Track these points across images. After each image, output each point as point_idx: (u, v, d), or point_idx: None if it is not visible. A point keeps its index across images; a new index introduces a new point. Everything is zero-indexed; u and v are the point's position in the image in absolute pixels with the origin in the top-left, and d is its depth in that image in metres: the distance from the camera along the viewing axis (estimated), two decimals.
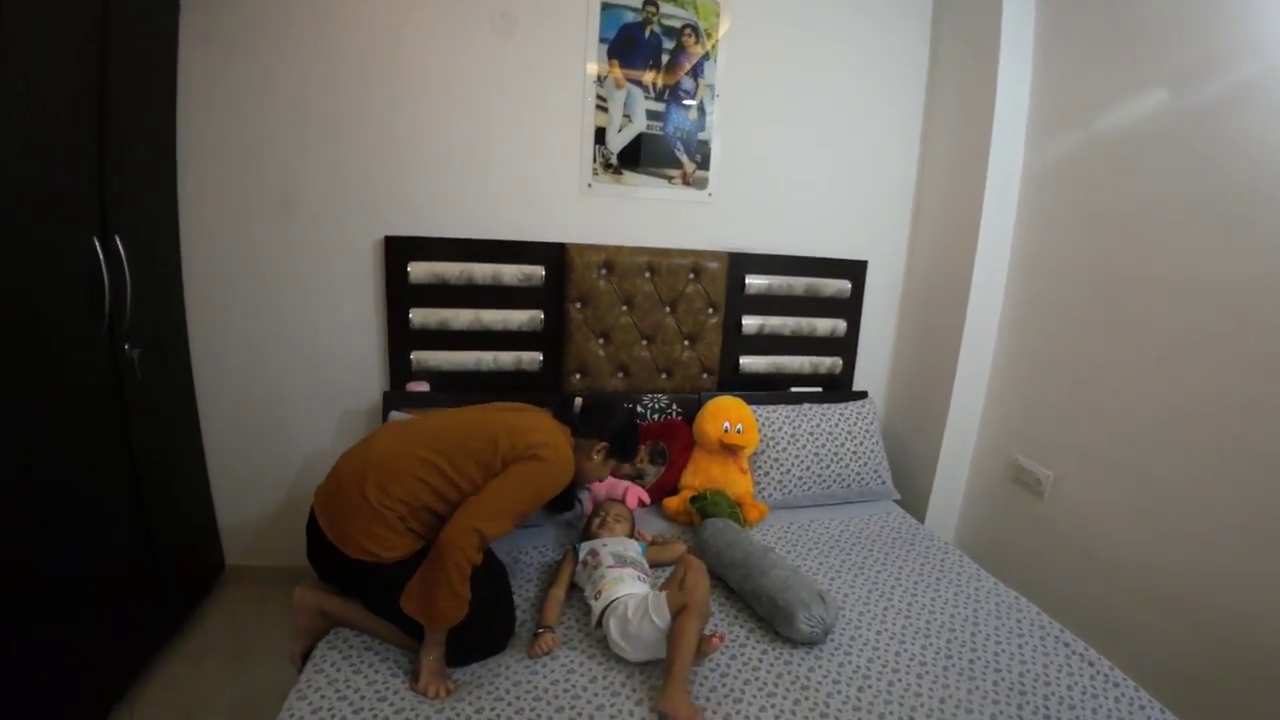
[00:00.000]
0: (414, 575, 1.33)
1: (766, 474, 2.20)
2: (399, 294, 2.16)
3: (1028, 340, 2.24)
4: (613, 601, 1.47)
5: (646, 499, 2.08)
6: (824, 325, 2.51)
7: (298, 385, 2.24)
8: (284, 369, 2.22)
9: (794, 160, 2.43)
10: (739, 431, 2.09)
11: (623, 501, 1.95)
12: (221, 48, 1.96)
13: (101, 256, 1.58)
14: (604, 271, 2.25)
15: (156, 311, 1.92)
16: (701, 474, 2.09)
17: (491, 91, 2.14)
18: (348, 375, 2.26)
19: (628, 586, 1.51)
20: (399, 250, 2.14)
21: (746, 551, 1.71)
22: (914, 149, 2.54)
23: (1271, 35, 1.55)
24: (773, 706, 1.32)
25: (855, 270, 2.51)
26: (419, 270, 2.14)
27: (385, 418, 2.09)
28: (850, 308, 2.54)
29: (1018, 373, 2.28)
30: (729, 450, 2.09)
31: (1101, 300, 1.98)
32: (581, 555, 1.67)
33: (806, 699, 1.35)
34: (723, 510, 1.93)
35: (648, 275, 2.28)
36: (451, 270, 2.16)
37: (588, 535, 1.79)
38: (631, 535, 1.80)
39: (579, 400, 1.77)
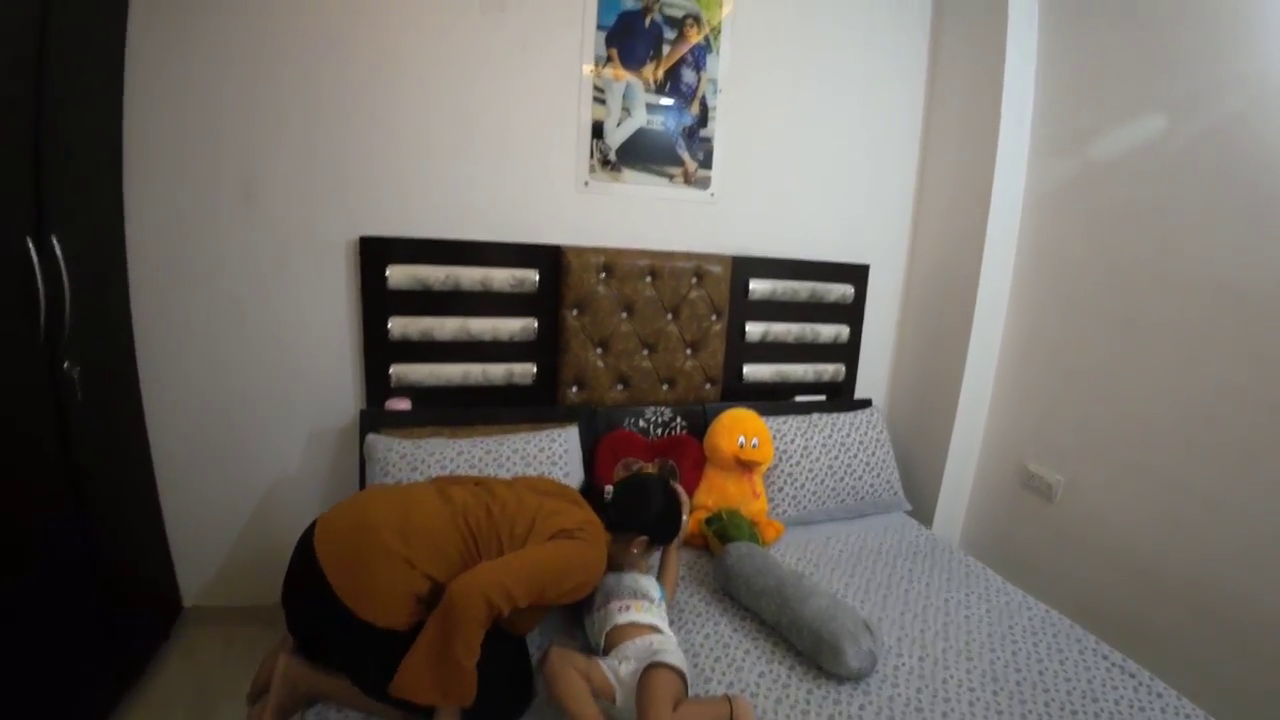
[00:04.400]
0: (411, 649, 1.14)
1: (780, 490, 2.09)
2: (376, 301, 1.95)
3: (1036, 342, 2.21)
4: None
5: None
6: (827, 331, 2.42)
7: (261, 404, 2.00)
8: (246, 386, 1.97)
9: (797, 160, 2.33)
10: (755, 446, 1.97)
11: None
12: (178, 13, 1.72)
13: (36, 261, 1.35)
14: (603, 275, 2.09)
15: (99, 322, 1.68)
16: (716, 493, 1.96)
17: (480, 77, 1.96)
18: (319, 392, 2.03)
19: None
20: (376, 252, 1.93)
21: (779, 579, 1.59)
22: (914, 150, 2.48)
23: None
24: None
25: (858, 275, 2.43)
26: (399, 275, 1.94)
27: (363, 440, 1.88)
28: (853, 313, 2.46)
29: (1025, 376, 2.25)
30: (744, 467, 1.96)
31: (1116, 301, 1.95)
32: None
33: None
34: (743, 532, 1.80)
35: (649, 280, 2.14)
36: (435, 275, 1.96)
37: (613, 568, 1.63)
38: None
39: (609, 489, 1.61)
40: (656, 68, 2.10)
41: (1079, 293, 2.06)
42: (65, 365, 1.48)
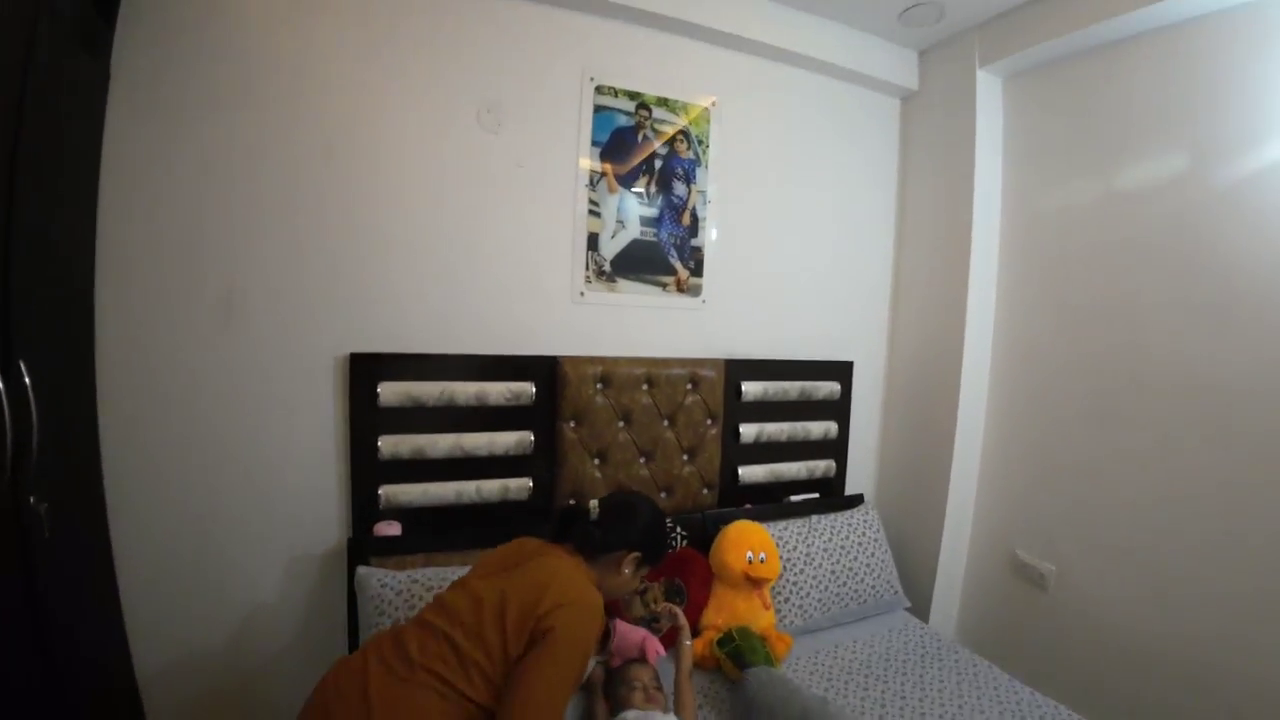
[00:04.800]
0: None
1: (787, 600, 2.04)
2: (366, 420, 1.86)
3: (1017, 435, 2.29)
4: None
5: (662, 649, 1.84)
6: (817, 428, 2.45)
7: (238, 531, 1.83)
8: (222, 513, 1.81)
9: (781, 264, 2.41)
10: (763, 561, 1.93)
11: (645, 660, 1.70)
12: (157, 122, 1.65)
13: (2, 390, 1.22)
14: (600, 386, 2.06)
15: (67, 452, 1.52)
16: (726, 611, 1.90)
17: (475, 191, 1.95)
18: (301, 515, 1.88)
19: None
20: (367, 369, 1.85)
21: (804, 708, 1.53)
22: (889, 248, 2.62)
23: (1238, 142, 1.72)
24: None
25: (843, 371, 2.50)
26: (390, 392, 1.85)
27: (351, 572, 1.75)
28: (840, 409, 2.51)
29: (1009, 468, 2.32)
30: (753, 583, 1.91)
31: (1092, 394, 2.05)
32: None
33: None
34: (759, 654, 1.74)
35: (646, 388, 2.13)
36: (429, 391, 1.89)
37: (619, 705, 1.53)
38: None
39: (594, 504, 1.51)
40: (649, 180, 2.15)
41: (1056, 386, 2.16)
42: (31, 500, 1.31)
